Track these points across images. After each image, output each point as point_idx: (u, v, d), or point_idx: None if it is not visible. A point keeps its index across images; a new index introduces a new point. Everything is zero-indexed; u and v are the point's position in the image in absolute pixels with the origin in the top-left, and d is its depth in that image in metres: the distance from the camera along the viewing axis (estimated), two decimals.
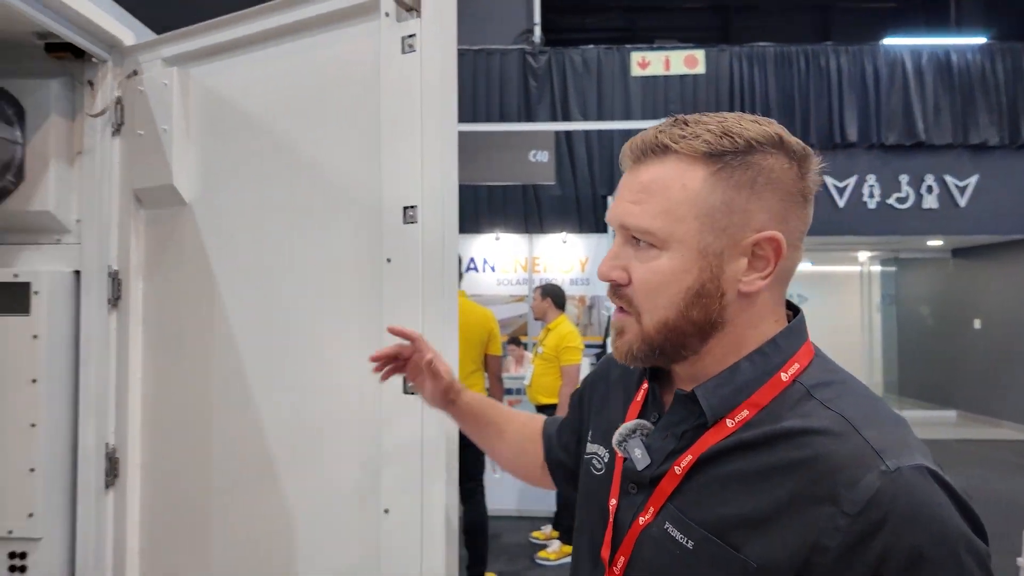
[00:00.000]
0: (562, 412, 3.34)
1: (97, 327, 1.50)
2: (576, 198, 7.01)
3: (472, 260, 7.04)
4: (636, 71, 6.58)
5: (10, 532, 1.41)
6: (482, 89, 6.80)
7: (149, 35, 1.59)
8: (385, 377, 1.06)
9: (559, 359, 3.83)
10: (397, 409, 1.14)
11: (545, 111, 6.82)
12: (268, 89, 1.37)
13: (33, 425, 1.42)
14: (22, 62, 1.49)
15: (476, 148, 4.91)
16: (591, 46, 6.95)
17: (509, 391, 5.26)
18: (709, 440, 0.68)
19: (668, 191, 0.69)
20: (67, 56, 1.47)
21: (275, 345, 1.35)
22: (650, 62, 6.46)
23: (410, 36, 1.17)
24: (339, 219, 1.28)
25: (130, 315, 1.51)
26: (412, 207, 1.13)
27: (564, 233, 7.04)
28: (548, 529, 4.20)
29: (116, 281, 1.51)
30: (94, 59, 1.49)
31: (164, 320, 1.52)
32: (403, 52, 1.18)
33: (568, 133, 6.74)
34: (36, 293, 1.44)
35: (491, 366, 3.43)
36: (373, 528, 1.16)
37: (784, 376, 0.69)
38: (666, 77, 6.53)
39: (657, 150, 0.70)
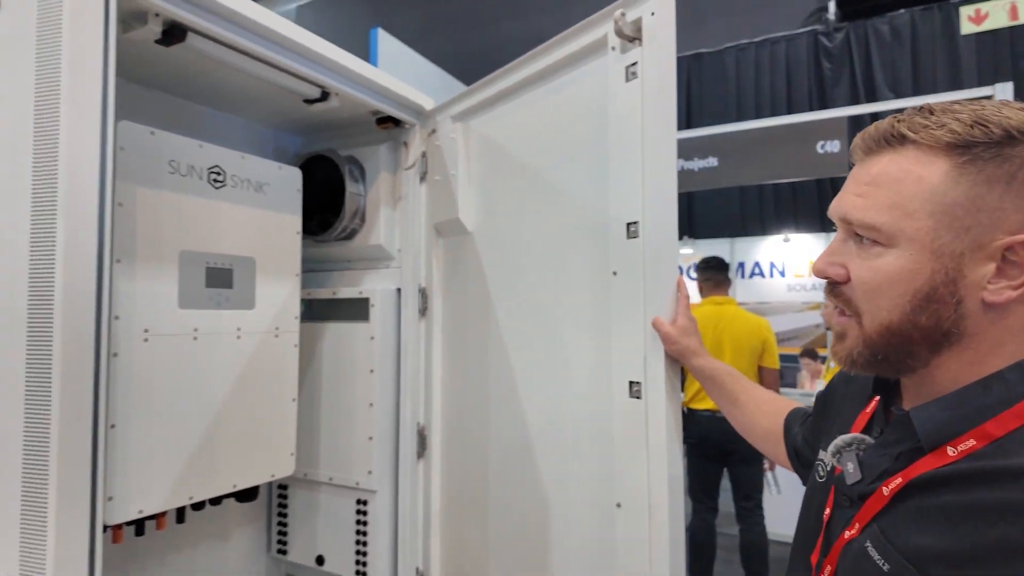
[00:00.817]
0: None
1: (412, 331, 1.93)
2: None
3: (757, 265, 6.59)
4: (967, 27, 5.39)
5: (357, 484, 1.91)
6: (765, 82, 6.35)
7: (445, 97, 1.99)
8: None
9: None
10: (624, 411, 1.24)
11: (843, 95, 6.05)
12: (523, 131, 1.61)
13: (371, 404, 1.90)
14: (362, 135, 2.02)
15: (755, 146, 4.63)
16: (902, 10, 5.93)
17: None
18: (924, 466, 0.64)
19: (899, 183, 0.64)
20: (390, 126, 1.94)
21: (532, 347, 1.57)
22: (988, 13, 5.22)
23: (632, 64, 1.27)
24: (577, 238, 1.44)
25: (434, 322, 1.91)
26: (634, 223, 1.23)
27: None
28: None
29: (424, 295, 1.92)
30: (407, 125, 1.94)
31: (456, 325, 1.88)
32: (627, 80, 1.28)
33: (874, 116, 5.85)
34: (373, 306, 1.92)
35: (766, 380, 3.22)
36: (609, 518, 1.27)
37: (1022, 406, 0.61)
38: (1011, 29, 5.20)
39: (893, 140, 0.66)
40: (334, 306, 2.00)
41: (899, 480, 0.65)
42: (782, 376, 3.55)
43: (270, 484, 2.05)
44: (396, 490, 1.90)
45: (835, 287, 0.71)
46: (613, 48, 1.28)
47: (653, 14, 1.19)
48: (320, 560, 1.96)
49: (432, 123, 1.90)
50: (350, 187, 1.95)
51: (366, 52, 4.89)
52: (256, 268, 1.70)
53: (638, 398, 1.21)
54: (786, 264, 6.52)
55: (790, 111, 6.03)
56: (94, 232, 1.08)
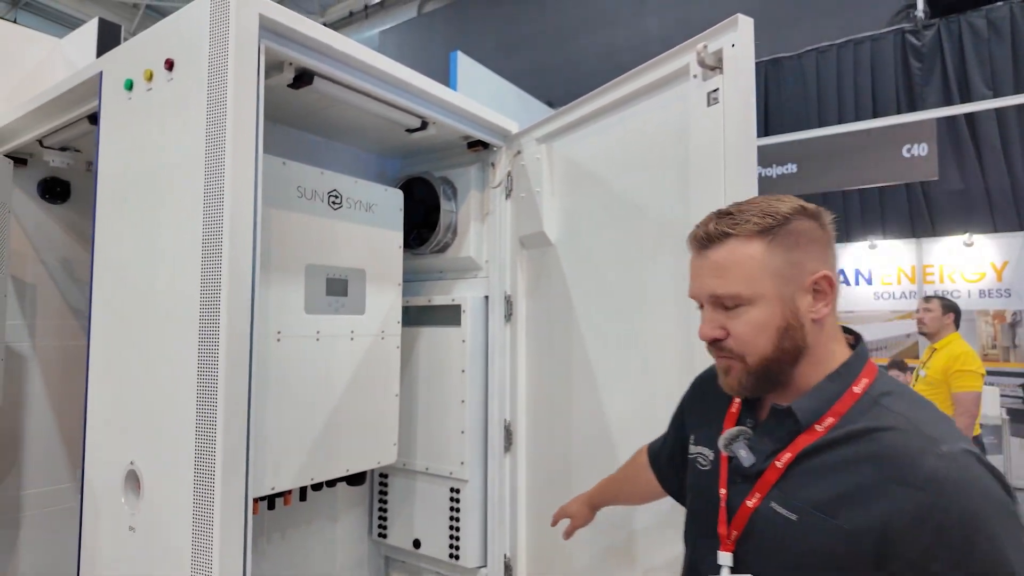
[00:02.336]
0: None
1: (498, 335, 2.10)
2: (985, 190, 5.71)
3: (842, 272, 6.36)
4: None
5: (450, 473, 2.09)
6: (848, 85, 6.17)
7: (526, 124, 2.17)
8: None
9: (949, 384, 3.27)
10: None
11: (934, 95, 5.78)
12: (604, 151, 1.75)
13: (463, 401, 2.09)
14: (454, 158, 2.23)
15: (838, 152, 4.55)
16: (1000, 3, 5.62)
17: None
18: (804, 442, 0.89)
19: (741, 264, 0.89)
20: (479, 148, 2.14)
21: (613, 348, 1.71)
22: None
23: (714, 91, 1.39)
24: (658, 247, 1.57)
25: (519, 326, 2.08)
26: None
27: (967, 234, 5.79)
28: None
29: (509, 302, 2.09)
30: (494, 147, 2.12)
31: (539, 329, 2.03)
32: (708, 105, 1.40)
33: (969, 116, 5.57)
34: (464, 312, 2.11)
35: None
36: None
37: (856, 389, 0.89)
38: None
39: (721, 236, 0.91)
40: (429, 312, 2.21)
41: (789, 455, 0.89)
42: None
43: (373, 472, 2.27)
44: (485, 480, 2.07)
45: (717, 342, 0.93)
46: (695, 76, 1.40)
47: (734, 45, 1.31)
48: (417, 544, 2.16)
49: (517, 145, 2.07)
50: (444, 205, 2.15)
51: (446, 74, 5.17)
52: (366, 278, 1.93)
53: None
54: (873, 271, 6.26)
55: (875, 114, 5.83)
56: (249, 249, 1.31)
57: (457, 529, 2.07)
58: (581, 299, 1.85)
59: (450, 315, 2.15)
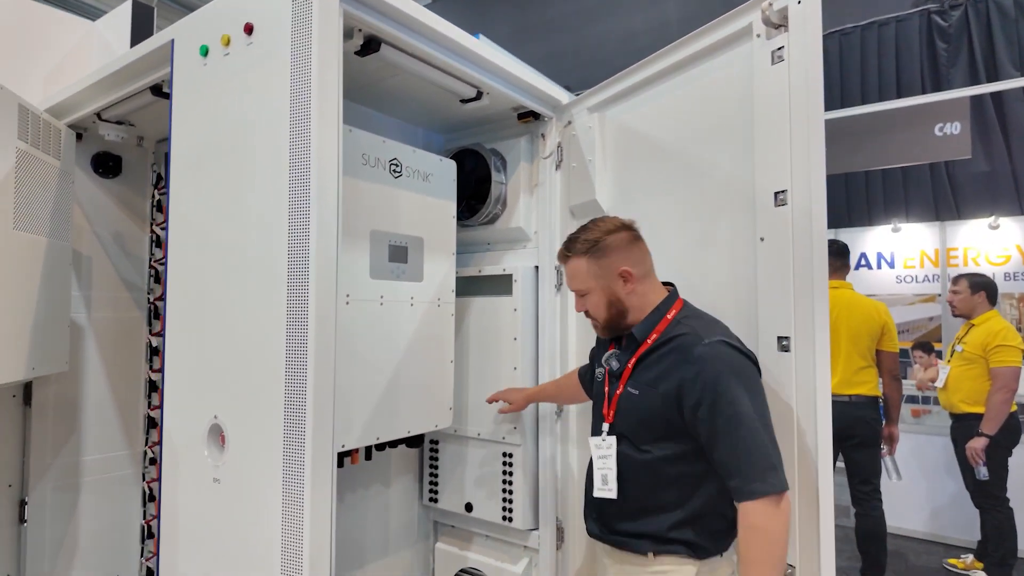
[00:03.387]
0: (991, 424, 2.91)
1: (549, 304, 2.13)
2: (1012, 172, 5.66)
3: (863, 256, 6.34)
4: None
5: (503, 438, 2.14)
6: (872, 66, 6.12)
7: (572, 95, 2.19)
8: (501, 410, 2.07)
9: (988, 359, 3.27)
10: (774, 363, 1.38)
11: (960, 75, 5.73)
12: (660, 117, 1.77)
13: (515, 368, 2.13)
14: (504, 129, 2.25)
15: (866, 132, 4.53)
16: None
17: (913, 399, 4.65)
18: (641, 350, 1.44)
19: (577, 273, 1.49)
20: (529, 120, 2.16)
21: None
22: None
23: (779, 49, 1.41)
24: (719, 208, 1.59)
25: (568, 295, 2.11)
26: (783, 191, 1.37)
27: (993, 217, 5.75)
28: (969, 559, 3.60)
29: (559, 272, 2.12)
30: (544, 118, 2.15)
31: None
32: (772, 63, 1.42)
33: (997, 95, 5.52)
34: (516, 281, 2.15)
35: (885, 363, 3.19)
36: None
37: (669, 316, 1.45)
38: None
39: (567, 256, 1.50)
40: (479, 282, 2.24)
41: (634, 359, 1.44)
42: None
43: (424, 439, 2.32)
44: (537, 445, 2.12)
45: (585, 313, 1.52)
46: (758, 35, 1.42)
47: (799, 2, 1.32)
48: (469, 507, 2.21)
49: (568, 115, 2.09)
50: (494, 176, 2.18)
51: None
52: (424, 247, 1.96)
53: (787, 351, 1.35)
54: (895, 254, 6.23)
55: (899, 95, 5.79)
56: (334, 212, 1.34)
57: (510, 493, 2.12)
58: None
59: (502, 285, 2.18)
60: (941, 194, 6.02)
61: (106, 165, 2.44)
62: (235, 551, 1.37)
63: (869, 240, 6.33)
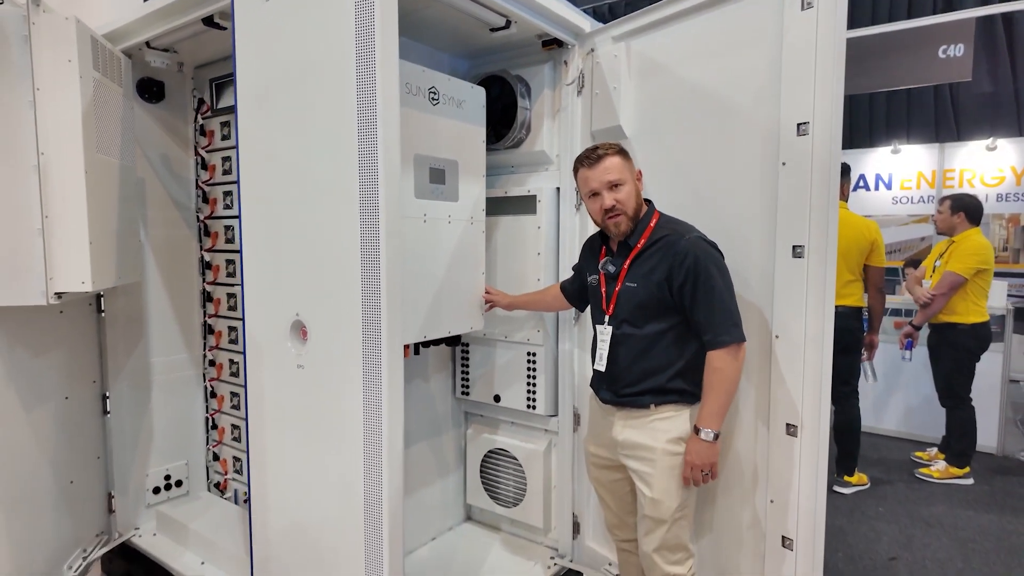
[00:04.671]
0: (919, 317, 3.33)
1: (569, 222, 2.36)
2: (1015, 93, 5.73)
3: (862, 177, 6.49)
4: None
5: (527, 339, 2.43)
6: None
7: (596, 24, 2.32)
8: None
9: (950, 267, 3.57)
10: (787, 269, 1.66)
11: None
12: (688, 51, 1.93)
13: (538, 280, 2.38)
14: (529, 56, 2.39)
15: (872, 54, 4.59)
16: None
17: (897, 312, 4.98)
18: (633, 252, 1.77)
19: (616, 167, 1.74)
20: (553, 47, 2.30)
21: (695, 224, 1.95)
22: None
23: None
24: (741, 138, 1.80)
25: (586, 215, 2.33)
26: (805, 123, 1.58)
27: (991, 139, 5.87)
28: (934, 451, 4.03)
29: (578, 193, 2.33)
30: (568, 45, 2.29)
31: None
32: (802, 9, 1.59)
33: (1007, 17, 5.50)
34: (539, 201, 2.36)
35: (871, 277, 3.46)
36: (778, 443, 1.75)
37: (652, 223, 1.77)
38: None
39: (602, 156, 1.75)
40: (505, 203, 2.46)
41: (628, 260, 1.76)
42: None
43: (456, 341, 2.61)
44: (557, 345, 2.41)
45: (613, 208, 1.75)
46: None
47: None
48: (497, 398, 2.53)
49: (590, 43, 2.24)
50: (520, 103, 2.35)
51: None
52: (459, 169, 2.16)
53: (800, 257, 1.62)
54: (893, 176, 6.39)
55: (910, 16, 5.75)
56: (397, 139, 1.52)
57: (533, 386, 2.43)
58: (657, 189, 2.07)
59: (526, 204, 2.40)
60: (943, 116, 6.10)
61: (150, 90, 2.59)
62: (319, 423, 1.66)
63: (870, 162, 6.46)
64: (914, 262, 5.32)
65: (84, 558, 2.41)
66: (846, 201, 3.60)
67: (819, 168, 1.59)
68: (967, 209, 3.66)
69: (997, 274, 4.15)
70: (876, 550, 2.95)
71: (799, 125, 1.60)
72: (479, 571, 2.40)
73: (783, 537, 1.75)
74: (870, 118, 6.41)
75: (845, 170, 3.60)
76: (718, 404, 1.64)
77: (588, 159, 1.76)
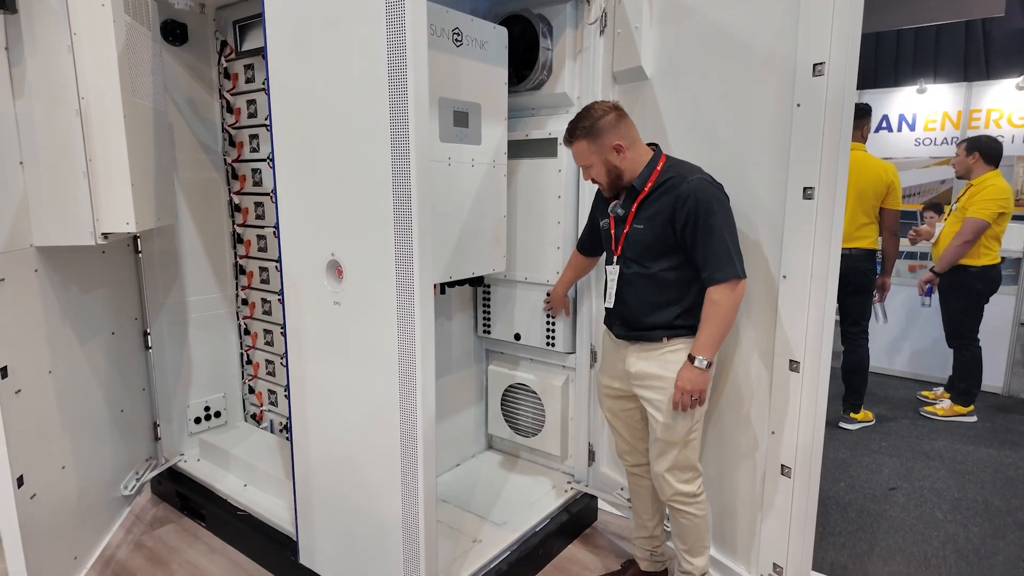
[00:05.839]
0: (941, 264, 3.35)
1: None
2: None
3: (885, 118, 6.35)
4: None
5: (547, 281, 2.52)
6: None
7: None
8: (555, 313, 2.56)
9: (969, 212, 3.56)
10: (797, 210, 1.70)
11: None
12: None
13: (558, 222, 2.45)
14: None
15: None
16: None
17: (912, 255, 5.00)
18: (640, 197, 1.83)
19: (581, 152, 1.85)
20: None
21: (710, 166, 1.98)
22: None
23: None
24: (759, 79, 1.82)
25: None
26: (821, 63, 1.60)
27: (1022, 77, 5.70)
28: (939, 390, 4.15)
29: None
30: None
31: None
32: None
33: None
34: (560, 144, 2.40)
35: (886, 219, 3.48)
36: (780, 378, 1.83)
37: (658, 168, 1.82)
38: None
39: (569, 140, 1.86)
40: (526, 146, 2.50)
41: (636, 204, 1.84)
42: (900, 232, 3.75)
43: (478, 282, 2.71)
44: (576, 287, 2.50)
45: (591, 179, 1.90)
46: None
47: None
48: (517, 336, 2.65)
49: None
50: (542, 43, 2.35)
51: None
52: (481, 112, 2.20)
53: (810, 199, 1.67)
54: (917, 116, 6.25)
55: None
56: (426, 78, 1.57)
57: (552, 325, 2.54)
58: (675, 131, 2.11)
59: (547, 147, 2.44)
60: (973, 54, 5.91)
61: (173, 33, 2.62)
62: (356, 356, 1.78)
63: (894, 102, 6.31)
64: (934, 205, 5.29)
65: (137, 479, 2.61)
66: (864, 143, 3.57)
67: (832, 109, 1.61)
68: (982, 149, 3.62)
69: (1016, 218, 4.15)
70: (877, 480, 3.10)
71: (815, 66, 1.61)
72: (501, 492, 2.58)
73: (782, 465, 1.88)
74: (896, 56, 6.23)
75: (865, 111, 3.56)
76: (712, 335, 1.73)
77: (565, 140, 1.89)
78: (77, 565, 2.21)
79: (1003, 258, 3.78)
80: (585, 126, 1.80)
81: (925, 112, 6.20)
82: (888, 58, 6.28)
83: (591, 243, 2.20)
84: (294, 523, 2.12)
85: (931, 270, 3.76)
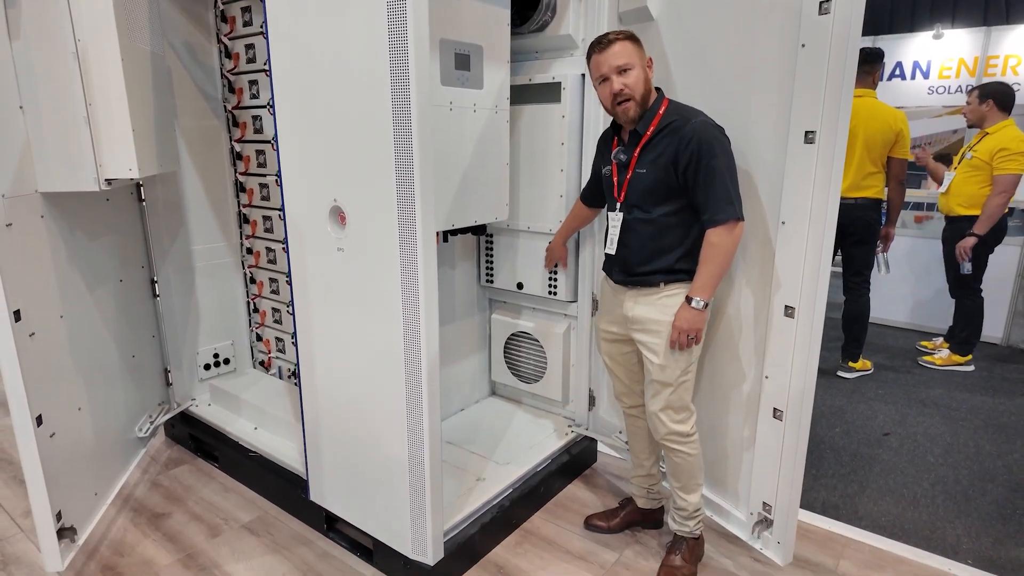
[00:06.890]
0: (983, 225, 3.25)
1: (593, 111, 2.36)
2: None
3: (899, 65, 6.18)
4: None
5: (550, 230, 2.52)
6: None
7: None
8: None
9: (992, 166, 3.50)
10: (798, 154, 1.69)
11: None
12: None
13: (562, 170, 2.44)
14: None
15: None
16: None
17: (919, 206, 4.96)
18: (643, 140, 1.84)
19: (626, 52, 1.77)
20: None
21: (712, 110, 1.96)
22: None
23: None
24: (764, 19, 1.77)
25: None
26: (827, 0, 1.55)
27: None
28: (939, 340, 4.19)
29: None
30: None
31: None
32: None
33: None
34: (564, 88, 2.36)
35: (893, 168, 3.44)
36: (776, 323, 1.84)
37: (661, 111, 1.82)
38: None
39: (613, 41, 1.77)
40: (529, 91, 2.46)
41: (639, 148, 1.85)
42: (908, 182, 3.68)
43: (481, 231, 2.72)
44: (578, 235, 2.50)
45: (622, 93, 1.79)
46: None
47: None
48: (520, 285, 2.67)
49: None
50: None
51: None
52: (483, 55, 2.16)
53: (811, 143, 1.65)
54: (932, 63, 6.08)
55: None
56: (426, 22, 1.54)
57: (555, 274, 2.56)
58: (681, 73, 2.08)
59: (550, 92, 2.40)
60: None
61: None
62: (361, 300, 1.81)
63: (909, 48, 6.13)
64: (943, 156, 5.20)
65: (151, 422, 2.70)
66: (874, 89, 3.50)
67: (837, 49, 1.58)
68: (995, 95, 3.54)
69: None
70: (871, 426, 3.17)
71: (821, 4, 1.58)
72: (504, 435, 2.66)
73: (774, 408, 1.92)
74: (913, 0, 6.01)
75: (877, 56, 3.46)
76: (710, 276, 1.76)
77: (600, 44, 1.78)
78: (98, 501, 2.31)
79: (1011, 209, 3.75)
80: (628, 31, 1.79)
81: (940, 59, 6.03)
82: (905, 1, 6.07)
83: (593, 193, 2.20)
84: (304, 463, 2.20)
85: (972, 233, 3.56)
